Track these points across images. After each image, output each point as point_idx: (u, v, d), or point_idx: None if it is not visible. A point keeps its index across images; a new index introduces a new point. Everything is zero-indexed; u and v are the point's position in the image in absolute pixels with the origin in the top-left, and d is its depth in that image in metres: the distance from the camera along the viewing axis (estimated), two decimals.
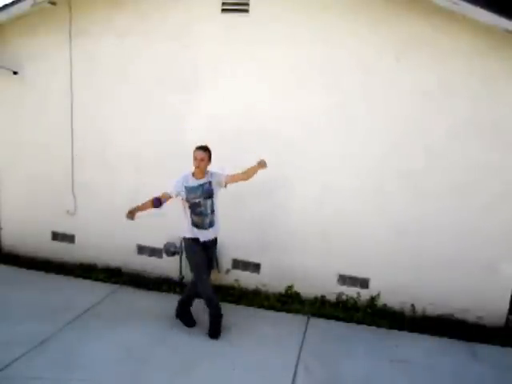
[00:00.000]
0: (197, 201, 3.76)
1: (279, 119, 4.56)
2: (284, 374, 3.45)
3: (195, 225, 3.82)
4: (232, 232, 4.77)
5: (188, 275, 4.96)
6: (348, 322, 4.37)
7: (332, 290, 4.69)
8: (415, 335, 4.18)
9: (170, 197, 3.78)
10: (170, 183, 3.81)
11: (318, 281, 4.69)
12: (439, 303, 4.43)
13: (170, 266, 5.07)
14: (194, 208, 3.78)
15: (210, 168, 3.88)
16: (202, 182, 3.79)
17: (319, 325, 4.29)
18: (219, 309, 3.92)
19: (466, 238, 4.29)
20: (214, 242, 4.00)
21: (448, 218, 4.30)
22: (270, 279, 4.82)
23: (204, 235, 3.85)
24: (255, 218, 4.77)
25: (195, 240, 3.84)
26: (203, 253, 3.88)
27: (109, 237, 5.28)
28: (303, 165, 4.57)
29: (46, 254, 5.55)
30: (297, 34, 4.39)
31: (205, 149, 3.78)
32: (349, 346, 3.93)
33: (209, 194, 3.79)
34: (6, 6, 4.89)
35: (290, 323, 4.22)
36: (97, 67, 5.02)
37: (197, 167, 3.77)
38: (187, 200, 3.78)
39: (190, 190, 3.75)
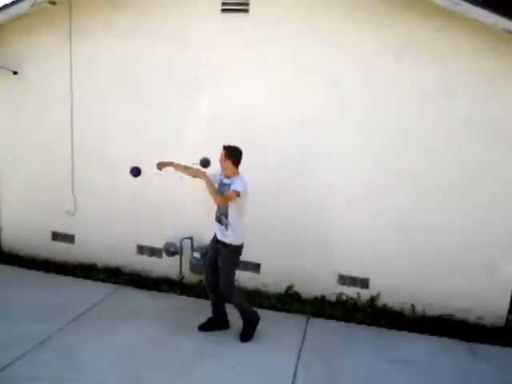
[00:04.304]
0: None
1: (279, 119, 4.56)
2: (284, 374, 3.45)
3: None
4: None
5: (188, 275, 4.97)
6: (348, 322, 4.38)
7: (332, 290, 4.69)
8: (415, 335, 4.18)
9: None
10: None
11: (318, 281, 4.69)
12: (439, 303, 4.43)
13: (170, 266, 5.06)
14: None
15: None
16: None
17: (319, 325, 4.30)
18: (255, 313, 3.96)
19: (467, 238, 4.30)
20: None
21: (448, 217, 4.30)
22: (270, 279, 4.82)
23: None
24: (255, 218, 4.76)
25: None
26: None
27: (109, 237, 5.28)
28: (303, 165, 4.57)
29: (46, 253, 5.55)
30: (297, 34, 4.39)
31: None
32: (349, 345, 3.93)
33: None
34: (5, 6, 4.90)
35: (290, 323, 4.21)
36: (97, 67, 5.02)
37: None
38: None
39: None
